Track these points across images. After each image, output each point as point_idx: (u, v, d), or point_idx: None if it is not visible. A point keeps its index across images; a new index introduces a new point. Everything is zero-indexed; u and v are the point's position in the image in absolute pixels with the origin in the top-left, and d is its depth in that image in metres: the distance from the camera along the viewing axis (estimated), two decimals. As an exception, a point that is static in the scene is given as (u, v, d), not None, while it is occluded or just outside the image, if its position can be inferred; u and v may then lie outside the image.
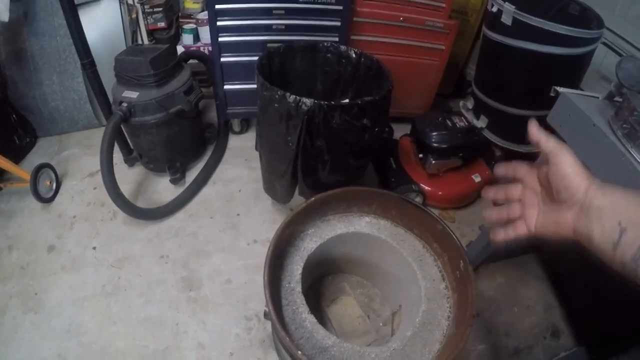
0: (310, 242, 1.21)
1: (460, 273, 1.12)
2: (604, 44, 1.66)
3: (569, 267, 1.66)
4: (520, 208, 0.57)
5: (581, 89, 1.71)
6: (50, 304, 1.54)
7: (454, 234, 1.15)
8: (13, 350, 1.40)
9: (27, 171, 1.81)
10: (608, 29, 1.56)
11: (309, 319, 1.05)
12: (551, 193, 0.52)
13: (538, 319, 1.59)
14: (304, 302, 1.07)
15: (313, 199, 1.17)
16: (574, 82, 1.55)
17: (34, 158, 2.15)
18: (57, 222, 1.83)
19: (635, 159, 0.81)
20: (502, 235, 0.58)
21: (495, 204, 0.61)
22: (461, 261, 1.12)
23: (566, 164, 0.50)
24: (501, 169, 0.60)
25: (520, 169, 0.58)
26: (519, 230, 0.56)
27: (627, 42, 1.62)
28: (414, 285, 1.20)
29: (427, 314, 1.11)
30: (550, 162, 0.51)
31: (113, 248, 1.73)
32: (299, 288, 1.10)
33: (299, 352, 0.88)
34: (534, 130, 0.53)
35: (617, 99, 0.99)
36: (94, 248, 1.72)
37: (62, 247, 1.73)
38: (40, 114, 2.23)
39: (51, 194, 1.92)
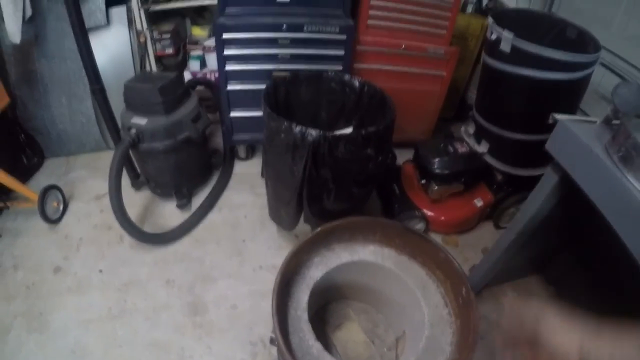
0: (316, 271, 1.24)
1: (463, 299, 1.15)
2: (602, 64, 1.69)
3: (573, 287, 1.66)
4: None
5: (581, 110, 1.75)
6: (55, 324, 1.54)
7: (455, 261, 1.18)
8: None
9: (34, 191, 1.83)
10: (605, 48, 1.58)
11: (316, 346, 1.07)
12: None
13: (542, 341, 1.59)
14: (311, 329, 1.10)
15: (318, 229, 1.20)
16: (573, 105, 1.57)
17: (41, 178, 2.18)
18: (63, 243, 1.85)
19: (631, 184, 0.83)
20: None
21: None
22: (463, 287, 1.14)
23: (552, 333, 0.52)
24: None
25: None
26: None
27: (625, 61, 1.66)
28: (417, 311, 1.22)
29: (431, 339, 1.13)
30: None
31: (119, 271, 1.74)
32: (305, 316, 1.12)
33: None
34: None
35: (614, 122, 1.01)
36: (100, 271, 1.74)
37: (68, 269, 1.74)
38: (48, 135, 2.27)
39: (58, 215, 1.94)
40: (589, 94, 1.64)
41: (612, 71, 1.70)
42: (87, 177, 2.21)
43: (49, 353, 1.46)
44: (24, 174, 2.15)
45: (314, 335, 1.09)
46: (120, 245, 1.85)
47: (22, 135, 2.18)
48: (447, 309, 1.22)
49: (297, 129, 1.27)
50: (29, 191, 1.84)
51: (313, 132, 1.26)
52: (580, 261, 1.62)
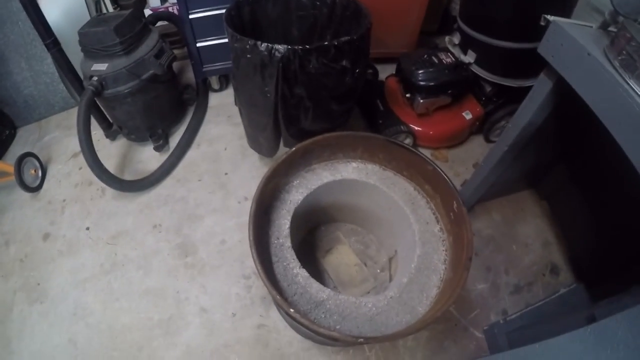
0: (297, 194, 1.18)
1: (454, 214, 1.09)
2: None
3: (567, 203, 1.63)
4: None
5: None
6: (54, 291, 1.55)
7: (445, 174, 1.11)
8: (26, 343, 1.42)
9: (10, 164, 1.78)
10: None
11: (301, 274, 1.03)
12: None
13: (537, 256, 1.58)
14: (295, 257, 1.05)
15: (294, 148, 1.12)
16: (564, 12, 1.47)
17: (17, 149, 2.10)
18: (48, 208, 1.81)
19: (634, 90, 0.76)
20: None
21: None
22: (454, 202, 1.08)
23: None
24: None
25: None
26: None
27: None
28: (407, 229, 1.17)
29: (423, 258, 1.09)
30: None
31: (106, 225, 1.72)
32: (288, 243, 1.08)
33: (292, 310, 0.86)
34: None
35: (611, 28, 0.93)
36: (88, 228, 1.71)
37: (57, 233, 1.72)
38: (15, 104, 2.17)
39: (38, 182, 1.89)
40: (580, 6, 1.53)
41: None
42: (61, 138, 2.13)
43: (53, 320, 1.47)
44: (-1, 149, 2.07)
45: (298, 263, 1.05)
46: (103, 198, 1.81)
47: (-11, 110, 2.08)
48: (439, 225, 1.17)
49: (263, 46, 1.18)
50: (5, 164, 1.80)
51: (281, 48, 1.17)
52: (574, 176, 1.58)
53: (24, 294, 1.55)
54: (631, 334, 0.60)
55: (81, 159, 1.90)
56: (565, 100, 0.99)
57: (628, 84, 0.77)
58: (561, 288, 1.44)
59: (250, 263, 1.53)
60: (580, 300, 1.38)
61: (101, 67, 1.63)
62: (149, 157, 1.97)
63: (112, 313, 1.46)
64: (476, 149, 1.95)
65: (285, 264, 1.06)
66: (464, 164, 1.88)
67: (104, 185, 1.67)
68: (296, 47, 1.17)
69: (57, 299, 1.52)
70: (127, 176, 1.84)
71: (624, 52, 0.79)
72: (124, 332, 1.41)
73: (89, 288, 1.53)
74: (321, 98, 1.33)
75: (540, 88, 1.08)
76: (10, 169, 1.76)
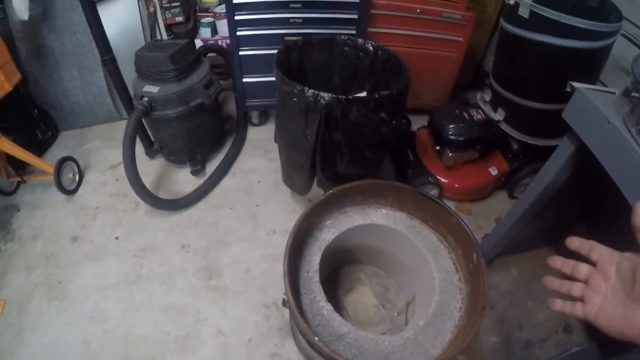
0: (328, 233, 1.24)
1: (474, 266, 1.14)
2: (624, 36, 1.62)
3: (587, 262, 1.64)
4: (583, 289, 0.54)
5: (600, 82, 1.70)
6: (75, 292, 1.59)
7: (467, 227, 1.17)
8: (38, 336, 1.46)
9: (50, 164, 1.86)
10: (628, 20, 1.52)
11: (326, 307, 1.08)
12: (630, 287, 0.48)
13: (551, 313, 1.58)
14: (322, 290, 1.11)
15: (331, 191, 1.20)
16: (592, 76, 1.53)
17: (57, 151, 2.21)
18: (80, 213, 1.89)
19: None
20: (558, 306, 0.56)
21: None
22: (474, 254, 1.13)
23: None
24: (575, 243, 0.57)
25: (597, 249, 0.54)
26: (576, 310, 0.54)
27: None
28: (428, 276, 1.22)
29: (440, 304, 1.13)
30: None
31: (135, 238, 1.78)
32: (316, 277, 1.13)
33: (316, 338, 0.91)
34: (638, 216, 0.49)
35: (634, 94, 0.96)
36: (117, 238, 1.78)
37: (86, 237, 1.78)
38: (61, 109, 2.29)
39: (74, 185, 1.98)
40: (609, 67, 1.59)
41: (635, 44, 1.63)
42: (101, 148, 2.23)
43: (69, 319, 1.51)
44: (40, 148, 2.18)
45: (324, 297, 1.10)
46: (136, 212, 1.89)
47: (36, 111, 2.20)
48: (458, 274, 1.21)
49: (310, 92, 1.26)
50: (45, 164, 1.87)
51: (326, 96, 1.25)
52: (593, 236, 1.58)
53: (44, 289, 1.60)
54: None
55: (119, 171, 2.02)
56: (587, 162, 1.01)
57: (644, 150, 0.80)
58: (573, 347, 1.43)
59: (271, 293, 1.57)
60: (592, 359, 1.38)
61: (153, 89, 1.74)
62: (184, 180, 2.05)
63: (130, 322, 1.50)
64: (499, 204, 1.98)
65: (312, 296, 1.11)
66: (487, 218, 1.91)
67: (138, 199, 1.73)
68: (340, 97, 1.24)
69: (76, 300, 1.56)
70: (161, 194, 1.91)
71: (642, 121, 0.82)
72: (139, 342, 1.44)
73: (111, 294, 1.58)
74: (358, 145, 1.40)
75: (563, 150, 1.12)
76: (51, 169, 1.84)
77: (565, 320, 1.57)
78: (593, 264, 0.55)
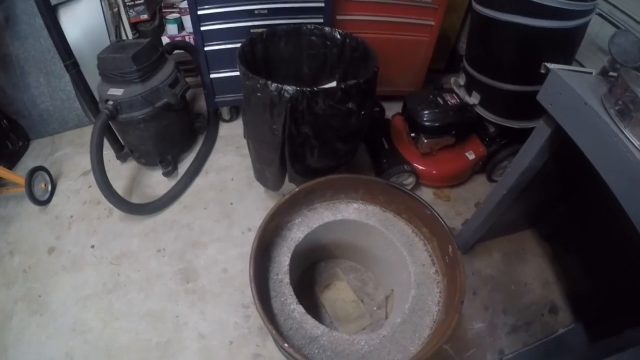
0: (298, 232, 1.21)
1: (449, 258, 1.12)
2: (600, 14, 1.59)
3: (568, 244, 1.64)
4: None
5: (577, 62, 1.67)
6: (54, 305, 1.57)
7: (442, 219, 1.14)
8: (22, 352, 1.44)
9: (21, 175, 1.82)
10: None
11: (298, 310, 1.06)
12: None
13: (536, 295, 1.59)
14: (292, 293, 1.08)
15: (297, 189, 1.16)
16: (567, 56, 1.50)
17: (28, 161, 2.15)
18: (55, 223, 1.85)
19: (628, 139, 0.77)
20: None
21: None
22: (450, 246, 1.11)
23: None
24: None
25: None
26: None
27: (623, 12, 1.56)
28: (404, 270, 1.20)
29: (417, 299, 1.11)
30: None
31: (111, 245, 1.75)
32: (287, 279, 1.11)
33: (286, 345, 0.88)
34: None
35: (611, 74, 0.95)
36: (93, 246, 1.74)
37: (62, 248, 1.75)
38: (30, 117, 2.22)
39: (47, 196, 1.93)
40: (585, 46, 1.57)
41: (610, 22, 1.61)
42: (73, 154, 2.18)
43: (51, 333, 1.49)
44: (11, 159, 2.12)
45: (296, 299, 1.07)
46: (110, 218, 1.85)
47: (4, 121, 2.13)
48: (434, 267, 1.19)
49: (273, 86, 1.23)
50: (15, 175, 1.83)
51: (289, 89, 1.21)
52: (574, 217, 1.59)
53: (24, 304, 1.57)
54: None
55: (91, 177, 1.94)
56: (565, 143, 1.00)
57: (623, 133, 0.78)
58: (559, 328, 1.44)
59: (249, 293, 1.51)
60: (578, 340, 1.38)
61: (117, 92, 1.69)
62: (157, 182, 2.01)
63: (111, 332, 1.48)
64: (478, 188, 1.97)
65: (282, 299, 1.09)
66: (466, 203, 1.90)
67: (112, 206, 1.70)
68: (304, 89, 1.21)
69: (57, 313, 1.54)
70: (135, 199, 1.88)
71: (620, 101, 0.80)
72: (121, 351, 1.43)
73: (90, 305, 1.56)
74: (327, 137, 1.37)
75: (539, 134, 1.10)
76: (21, 180, 1.79)
77: (551, 302, 1.57)
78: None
